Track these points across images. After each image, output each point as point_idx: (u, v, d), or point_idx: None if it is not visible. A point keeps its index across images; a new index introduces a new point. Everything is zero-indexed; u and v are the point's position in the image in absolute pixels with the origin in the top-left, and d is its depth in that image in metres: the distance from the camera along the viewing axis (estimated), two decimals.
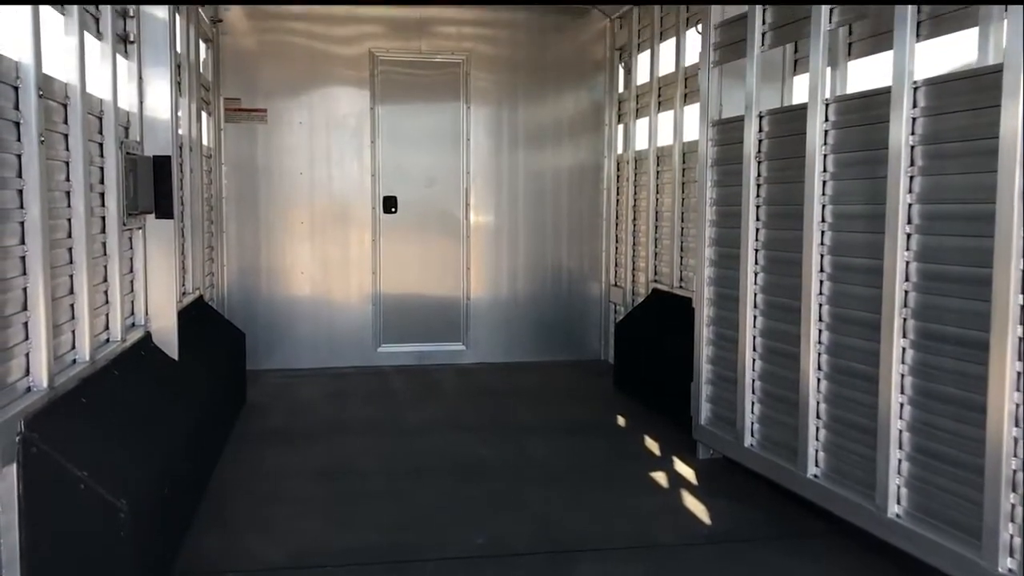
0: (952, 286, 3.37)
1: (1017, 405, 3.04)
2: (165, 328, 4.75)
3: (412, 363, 8.12)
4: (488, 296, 8.39)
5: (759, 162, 4.68)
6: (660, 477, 5.01)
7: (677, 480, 4.96)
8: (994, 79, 3.10)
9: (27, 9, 3.02)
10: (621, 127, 8.23)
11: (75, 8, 3.55)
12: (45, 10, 3.23)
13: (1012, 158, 3.00)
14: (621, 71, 8.23)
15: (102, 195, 4.03)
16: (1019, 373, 3.03)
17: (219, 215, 7.71)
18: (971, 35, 3.74)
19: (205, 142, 6.99)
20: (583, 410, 6.64)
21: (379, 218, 8.09)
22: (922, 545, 3.48)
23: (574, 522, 4.29)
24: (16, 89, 3.00)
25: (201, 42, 6.82)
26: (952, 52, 4.08)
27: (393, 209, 8.08)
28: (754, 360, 4.74)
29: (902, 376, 3.59)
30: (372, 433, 5.95)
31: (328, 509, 4.46)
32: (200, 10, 6.78)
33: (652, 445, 5.64)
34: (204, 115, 6.97)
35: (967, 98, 3.30)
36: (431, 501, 4.59)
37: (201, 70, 6.75)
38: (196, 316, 5.84)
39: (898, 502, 3.63)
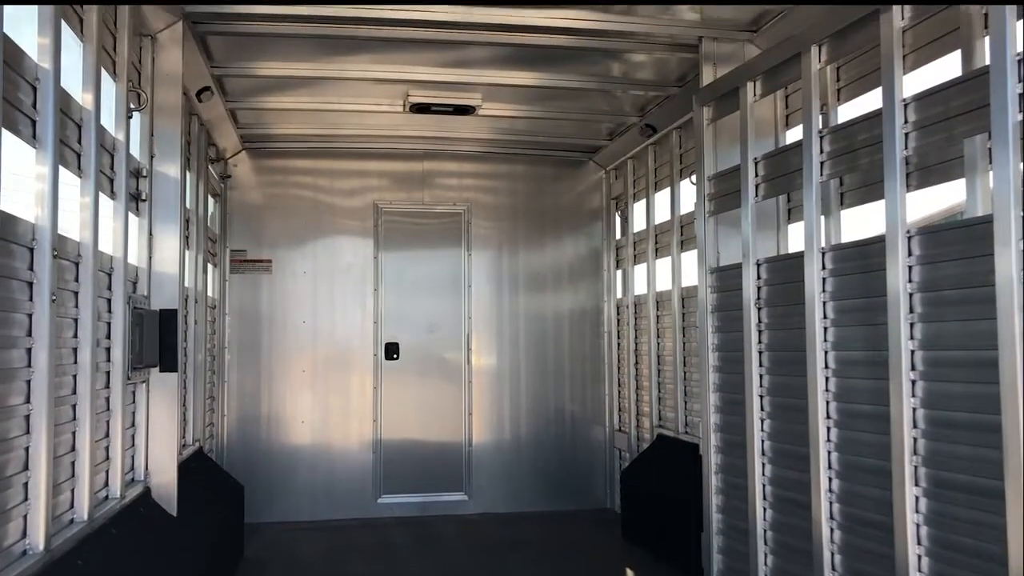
0: (961, 433, 3.34)
1: None
2: (165, 483, 4.67)
3: (413, 514, 7.94)
4: (490, 442, 8.30)
5: (759, 308, 4.74)
6: None
7: None
8: (985, 229, 3.18)
9: (47, 172, 3.13)
10: (620, 272, 8.37)
11: (92, 170, 3.68)
12: (63, 171, 3.34)
13: (1010, 305, 3.05)
14: (618, 219, 8.44)
15: (108, 350, 4.05)
16: None
17: (221, 364, 7.72)
18: (959, 184, 3.86)
19: (210, 293, 7.09)
20: (591, 562, 6.45)
21: (381, 364, 8.10)
22: None
23: None
24: (31, 251, 3.07)
25: (210, 197, 7.02)
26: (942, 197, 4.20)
27: (395, 355, 8.11)
28: (765, 509, 4.65)
29: (917, 526, 3.51)
30: None
31: None
32: (210, 167, 7.01)
33: None
34: (210, 267, 7.10)
35: (961, 247, 3.38)
36: None
37: (209, 224, 6.92)
38: (195, 469, 5.75)
39: None
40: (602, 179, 8.61)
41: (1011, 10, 3.11)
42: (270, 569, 6.26)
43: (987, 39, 3.28)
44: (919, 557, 3.50)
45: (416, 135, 7.80)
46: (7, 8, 2.78)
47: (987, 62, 3.23)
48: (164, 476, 4.69)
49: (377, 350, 8.10)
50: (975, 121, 3.31)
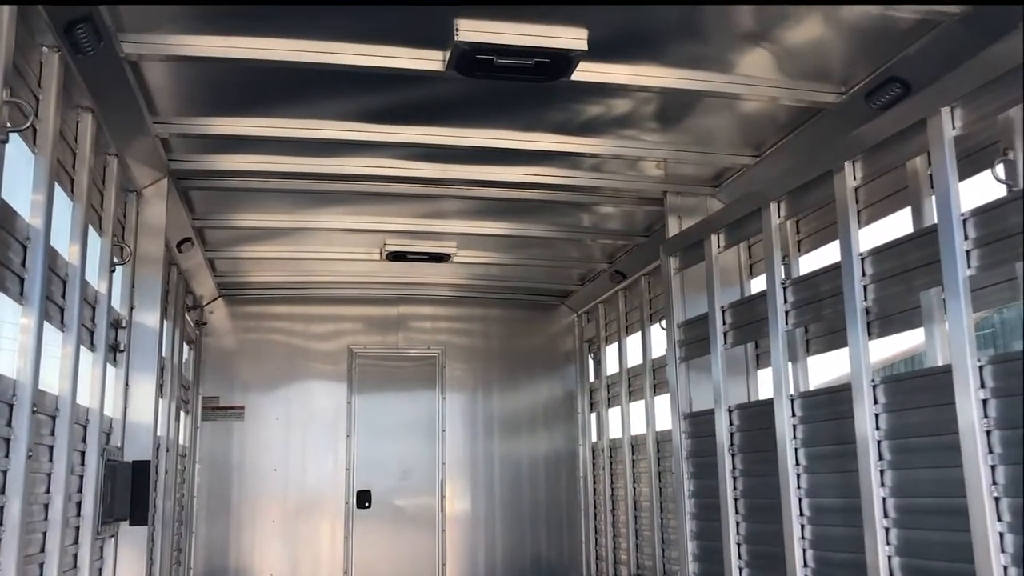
0: None
1: None
2: None
3: None
4: None
5: (732, 455, 4.78)
6: None
7: None
8: (945, 378, 3.30)
9: (32, 326, 3.18)
10: (594, 415, 8.40)
11: (74, 324, 3.73)
12: (46, 325, 3.38)
13: (974, 452, 3.13)
14: (591, 361, 8.54)
15: (79, 504, 3.99)
16: None
17: (189, 514, 7.54)
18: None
19: (181, 441, 7.01)
20: None
21: (352, 513, 7.95)
22: None
23: None
24: (11, 407, 3.08)
25: (185, 344, 7.05)
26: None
27: (367, 503, 7.97)
28: None
29: None
30: None
31: None
32: (186, 315, 7.07)
33: None
34: (182, 414, 7.04)
35: (924, 395, 3.49)
36: None
37: (183, 371, 6.92)
38: None
39: None
40: (574, 322, 8.76)
41: (953, 171, 3.33)
42: None
43: (934, 198, 3.50)
44: None
45: (391, 281, 7.95)
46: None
47: (935, 220, 3.44)
48: None
49: (349, 498, 7.97)
50: (930, 274, 3.49)
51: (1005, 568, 3.03)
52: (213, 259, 7.07)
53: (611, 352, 8.01)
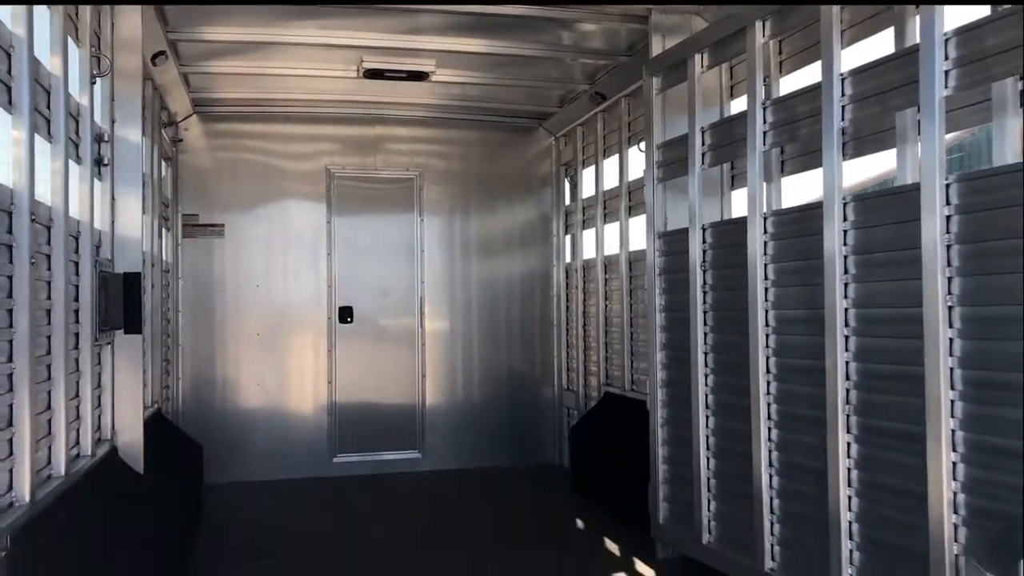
0: (889, 383, 3.65)
1: (955, 493, 3.28)
2: (132, 442, 4.78)
3: (368, 472, 8.13)
4: (443, 403, 8.51)
5: (704, 271, 4.99)
6: None
7: None
8: (912, 196, 3.46)
9: (24, 137, 3.21)
10: (569, 237, 8.59)
11: (61, 135, 3.74)
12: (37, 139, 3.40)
13: (934, 266, 3.33)
14: (567, 185, 8.64)
15: (76, 312, 4.13)
16: (954, 463, 3.28)
17: (175, 328, 7.76)
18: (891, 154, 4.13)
19: (164, 257, 7.12)
20: (541, 515, 6.72)
21: (335, 328, 8.23)
22: None
23: None
24: (10, 215, 3.15)
25: (163, 161, 7.03)
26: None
27: (349, 319, 8.23)
28: (708, 459, 4.95)
29: (848, 470, 3.82)
30: (332, 549, 5.94)
31: None
32: (163, 131, 7.01)
33: (612, 547, 5.75)
34: (164, 231, 7.12)
35: (891, 213, 3.65)
36: None
37: (162, 188, 6.93)
38: (156, 430, 5.85)
39: (772, 559, 3.82)
40: (552, 146, 8.79)
41: None
42: (231, 527, 6.41)
43: (918, 18, 3.53)
44: (849, 498, 3.82)
45: (368, 100, 7.87)
46: None
47: (917, 40, 3.49)
48: (130, 435, 4.80)
49: (331, 313, 8.22)
50: (907, 95, 3.57)
51: (951, 369, 3.30)
52: (187, 74, 6.93)
53: (587, 175, 8.11)
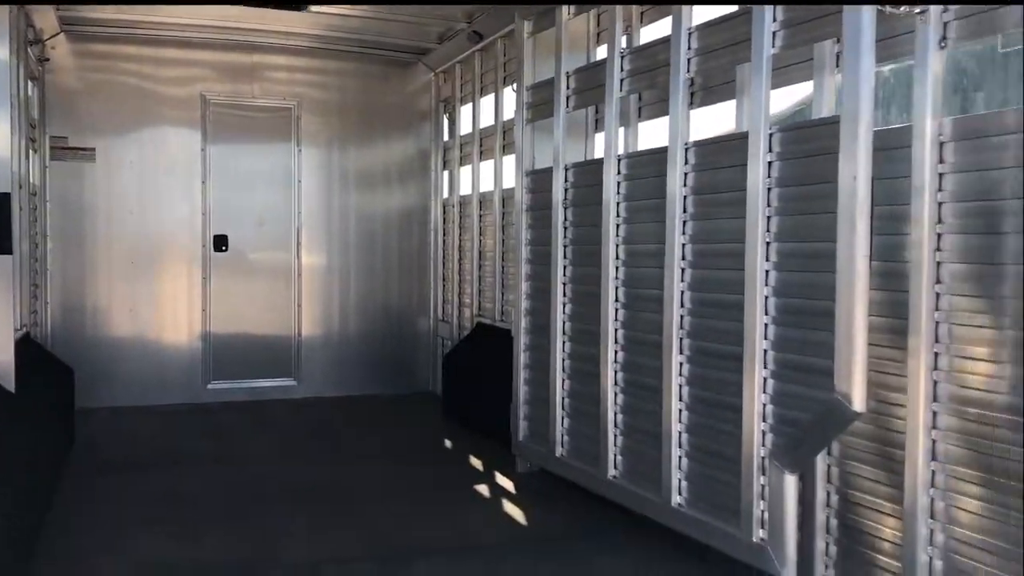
0: (716, 310, 4.10)
1: (764, 405, 3.78)
2: (2, 361, 4.82)
3: (242, 399, 8.28)
4: (319, 334, 8.69)
5: (566, 208, 5.35)
6: (483, 489, 5.53)
7: (499, 491, 5.49)
8: (741, 143, 3.87)
9: None
10: (446, 173, 8.82)
11: None
12: None
13: (756, 206, 3.77)
14: (446, 121, 8.84)
15: None
16: (764, 379, 3.77)
17: (43, 253, 7.64)
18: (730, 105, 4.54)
19: (32, 180, 6.99)
20: (412, 436, 7.08)
21: (209, 257, 8.25)
22: (699, 528, 4.16)
23: (406, 532, 4.72)
24: None
25: (29, 81, 6.85)
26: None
27: (224, 248, 8.27)
28: (564, 380, 5.37)
29: (680, 386, 4.30)
30: (207, 464, 6.13)
31: (169, 531, 4.66)
32: (29, 48, 6.82)
33: (476, 463, 6.16)
34: (31, 152, 6.97)
35: (726, 157, 4.07)
36: (270, 521, 4.87)
37: (28, 108, 6.78)
38: (25, 353, 5.85)
39: (679, 493, 4.31)
40: (431, 81, 8.94)
41: None
42: (103, 445, 6.51)
43: None
44: (680, 411, 4.30)
45: (245, 27, 7.83)
46: None
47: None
48: (1, 355, 4.84)
49: (206, 242, 8.23)
50: (742, 51, 3.96)
51: (766, 298, 3.77)
52: None
53: (465, 112, 8.32)
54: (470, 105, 8.10)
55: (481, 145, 7.84)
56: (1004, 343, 2.94)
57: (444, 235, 8.81)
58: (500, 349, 6.55)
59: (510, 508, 5.16)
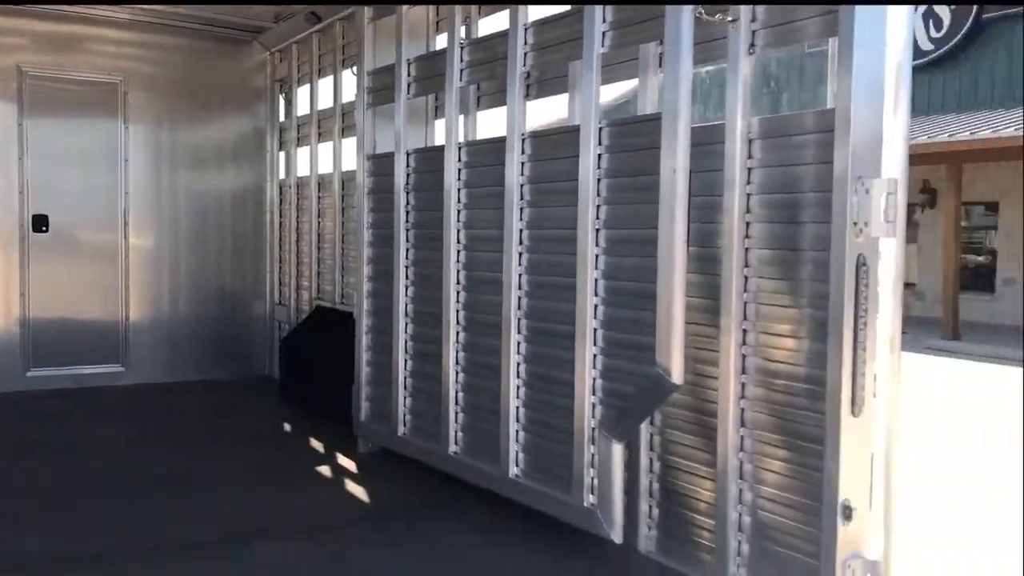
0: (551, 292, 4.36)
1: (594, 379, 4.06)
2: None
3: (67, 386, 7.91)
4: (149, 317, 8.40)
5: (408, 192, 5.48)
6: (326, 471, 5.60)
7: (341, 472, 5.58)
8: (572, 136, 4.13)
9: None
10: (283, 154, 8.71)
11: None
12: None
13: (587, 195, 4.03)
14: (282, 101, 8.72)
15: None
16: (595, 355, 4.06)
17: None
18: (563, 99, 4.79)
19: None
20: (250, 421, 7.02)
21: (28, 238, 7.82)
22: (535, 497, 4.42)
23: (247, 515, 4.73)
24: None
25: None
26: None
27: (44, 228, 7.85)
28: (406, 361, 5.50)
29: (518, 364, 4.53)
30: (32, 454, 5.87)
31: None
32: None
33: (317, 445, 6.21)
34: None
35: (560, 149, 4.31)
36: (107, 508, 4.76)
37: None
38: None
39: (516, 465, 4.55)
40: (267, 60, 8.79)
41: None
42: None
43: None
44: (518, 388, 4.54)
45: None
46: None
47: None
48: None
49: (24, 222, 7.79)
50: (574, 49, 4.21)
51: (596, 280, 4.05)
52: None
53: (303, 93, 8.25)
54: (307, 86, 8.04)
55: (319, 127, 7.81)
56: (803, 321, 3.31)
57: (281, 217, 8.71)
58: (340, 332, 6.61)
59: (353, 487, 5.26)
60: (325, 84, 7.75)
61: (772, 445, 3.44)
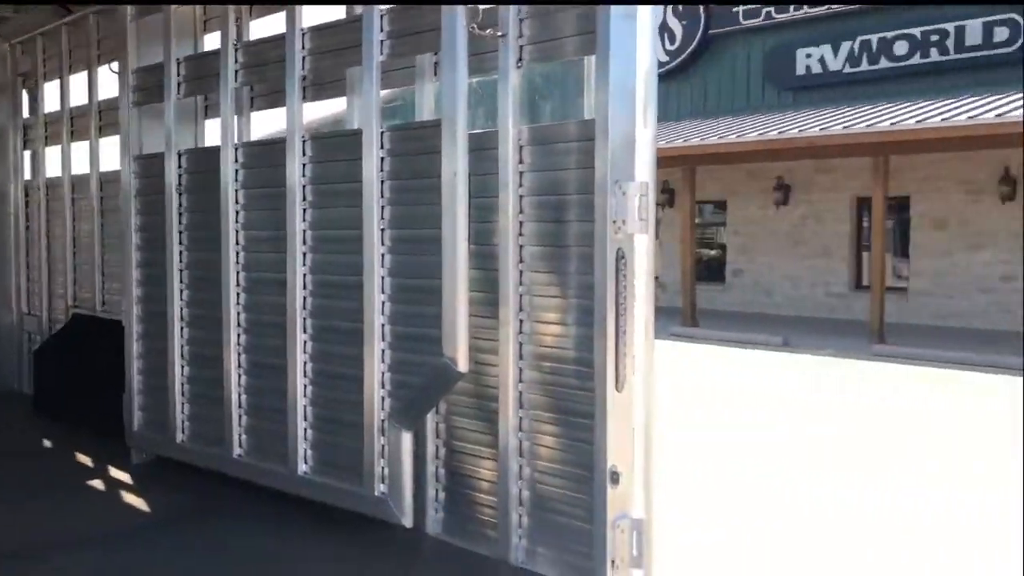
0: (338, 291, 4.49)
1: (383, 373, 4.25)
2: None
3: None
4: None
5: (180, 194, 5.37)
6: (98, 483, 5.38)
7: (115, 483, 5.38)
8: (356, 139, 4.28)
9: None
10: (28, 154, 8.12)
11: None
12: None
13: (372, 196, 4.21)
14: (26, 97, 8.13)
15: None
16: (383, 350, 4.24)
17: None
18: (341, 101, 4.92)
19: None
20: (4, 437, 6.52)
21: None
22: (326, 492, 4.53)
23: (13, 532, 4.47)
24: None
25: None
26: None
27: None
28: (183, 367, 5.39)
29: (305, 363, 4.62)
30: None
31: None
32: None
33: (84, 459, 5.91)
34: None
35: (341, 152, 4.45)
36: None
37: None
38: None
39: (305, 462, 4.64)
40: (7, 53, 8.14)
41: None
42: None
43: None
44: (305, 386, 4.62)
45: None
46: None
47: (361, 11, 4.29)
48: None
49: None
50: (353, 55, 4.37)
51: (383, 278, 4.23)
52: None
53: (51, 89, 7.74)
54: (56, 82, 7.56)
55: (72, 125, 7.36)
56: (572, 309, 3.68)
57: (28, 220, 8.11)
58: (103, 340, 6.32)
59: (130, 498, 5.10)
60: (78, 80, 7.32)
61: (548, 423, 3.79)
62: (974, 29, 17.16)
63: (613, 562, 3.43)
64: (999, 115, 14.11)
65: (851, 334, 17.47)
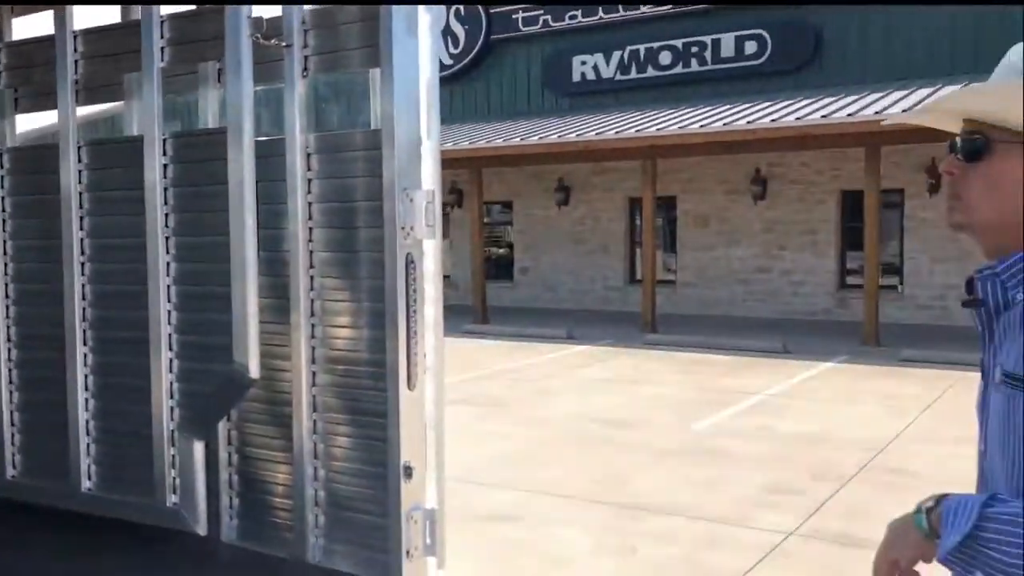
0: (120, 301, 4.37)
1: (171, 383, 4.20)
2: None
3: None
4: None
5: None
6: None
7: None
8: (138, 145, 4.20)
9: None
10: None
11: None
12: None
13: (154, 203, 4.15)
14: None
15: None
16: (171, 360, 4.19)
17: None
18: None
19: None
20: None
21: None
22: (114, 507, 4.40)
23: None
24: None
25: None
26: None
27: None
28: (12, 392, 4.85)
29: (86, 376, 4.46)
30: None
31: None
32: None
33: None
34: None
35: (121, 158, 4.34)
36: None
37: None
38: None
39: (89, 478, 4.48)
40: None
41: None
42: None
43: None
44: (86, 400, 4.47)
45: None
46: None
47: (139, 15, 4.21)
48: None
49: None
50: (133, 61, 4.27)
51: (168, 286, 4.18)
52: None
53: None
54: None
55: None
56: (363, 313, 3.82)
57: None
58: None
59: None
60: None
61: (342, 424, 3.91)
62: (728, 42, 18.81)
63: (408, 552, 3.61)
64: (749, 122, 15.59)
65: (627, 324, 18.67)
